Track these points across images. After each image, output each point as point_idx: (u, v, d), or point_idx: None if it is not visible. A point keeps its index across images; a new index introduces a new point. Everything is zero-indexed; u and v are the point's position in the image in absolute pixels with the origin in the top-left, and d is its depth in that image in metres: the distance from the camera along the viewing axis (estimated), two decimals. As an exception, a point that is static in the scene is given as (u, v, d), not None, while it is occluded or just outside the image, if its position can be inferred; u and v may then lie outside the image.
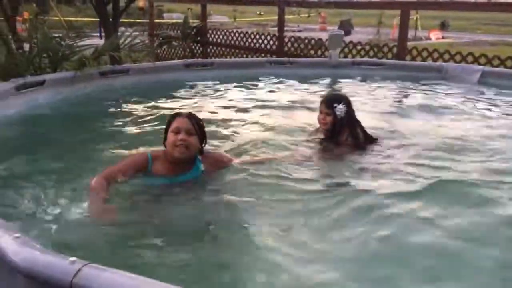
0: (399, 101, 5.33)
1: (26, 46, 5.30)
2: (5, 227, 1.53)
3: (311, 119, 4.22)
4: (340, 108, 3.32)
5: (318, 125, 3.55)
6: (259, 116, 4.51)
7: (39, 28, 5.31)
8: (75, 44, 5.39)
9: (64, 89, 4.81)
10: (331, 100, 3.40)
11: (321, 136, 3.52)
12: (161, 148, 2.76)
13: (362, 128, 3.47)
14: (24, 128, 3.88)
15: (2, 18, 6.20)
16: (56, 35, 5.55)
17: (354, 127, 3.39)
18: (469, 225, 2.35)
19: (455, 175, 2.96)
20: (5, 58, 4.82)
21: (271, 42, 8.84)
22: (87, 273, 1.26)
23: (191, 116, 2.71)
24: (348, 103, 3.39)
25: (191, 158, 2.71)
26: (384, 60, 6.94)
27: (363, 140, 3.41)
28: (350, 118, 3.38)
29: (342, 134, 3.36)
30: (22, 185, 2.71)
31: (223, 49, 9.80)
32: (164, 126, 2.73)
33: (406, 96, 5.55)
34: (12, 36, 5.40)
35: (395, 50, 7.34)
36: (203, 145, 2.78)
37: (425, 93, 5.61)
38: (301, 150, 3.37)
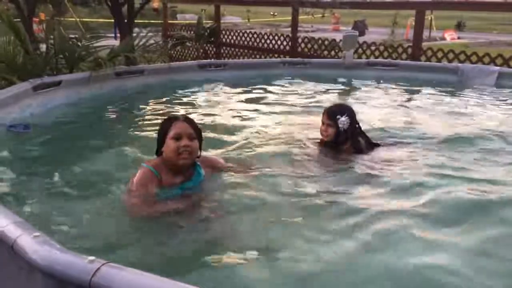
0: (413, 103, 5.28)
1: (42, 47, 5.37)
2: (25, 226, 1.55)
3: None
4: (343, 120, 3.19)
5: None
6: (272, 117, 4.51)
7: (55, 29, 5.38)
8: (91, 45, 5.45)
9: (80, 89, 4.88)
10: (334, 111, 3.26)
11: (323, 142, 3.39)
12: (152, 157, 2.62)
13: (366, 138, 3.35)
14: (41, 128, 3.93)
15: (19, 19, 6.30)
16: (72, 36, 5.62)
17: (357, 139, 3.27)
18: (477, 239, 2.22)
19: (462, 182, 2.82)
20: (23, 58, 4.89)
21: (285, 43, 8.84)
22: (105, 272, 1.27)
23: (189, 120, 2.60)
24: (351, 115, 3.25)
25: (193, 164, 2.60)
26: (398, 61, 6.89)
27: (365, 148, 3.30)
28: (353, 130, 3.26)
29: (345, 144, 3.26)
30: (38, 184, 2.75)
31: (237, 49, 9.82)
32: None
33: (420, 98, 5.49)
34: (29, 37, 5.48)
35: (409, 50, 7.28)
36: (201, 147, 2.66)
37: (439, 95, 5.55)
38: (297, 163, 3.18)
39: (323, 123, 3.27)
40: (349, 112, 3.25)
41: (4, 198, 2.45)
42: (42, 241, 1.41)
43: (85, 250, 1.53)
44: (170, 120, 2.59)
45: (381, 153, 3.31)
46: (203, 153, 2.70)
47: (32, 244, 1.41)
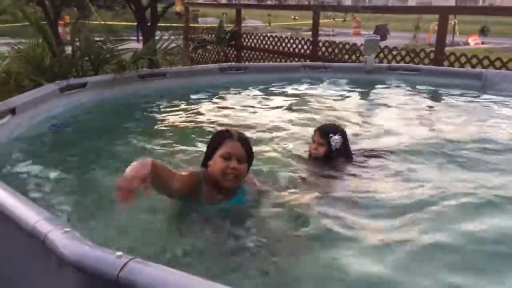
0: (434, 108, 5.23)
1: (67, 49, 5.51)
2: (55, 222, 1.61)
3: (343, 125, 4.22)
4: (336, 139, 3.10)
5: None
6: (292, 121, 4.52)
7: (81, 32, 5.52)
8: (115, 48, 5.57)
9: (104, 91, 4.98)
10: (327, 130, 3.16)
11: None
12: (199, 167, 2.48)
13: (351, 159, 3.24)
14: (67, 128, 4.04)
15: (45, 22, 6.47)
16: (98, 39, 5.75)
17: (348, 158, 3.20)
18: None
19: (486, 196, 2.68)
20: (50, 60, 5.02)
21: (305, 47, 8.85)
22: (133, 267, 1.31)
23: (243, 140, 2.42)
24: (344, 135, 3.18)
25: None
26: (421, 66, 6.83)
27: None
28: (345, 149, 3.18)
29: (337, 160, 3.15)
30: (66, 182, 2.84)
31: (257, 53, 9.87)
32: (206, 141, 2.48)
33: (442, 104, 5.44)
34: (55, 39, 5.62)
35: (432, 55, 7.21)
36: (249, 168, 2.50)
37: (462, 101, 5.48)
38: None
39: (314, 141, 3.16)
40: (342, 132, 3.18)
41: (35, 195, 2.54)
42: (72, 236, 1.46)
43: (113, 247, 1.58)
44: (224, 135, 2.42)
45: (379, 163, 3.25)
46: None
47: (62, 239, 1.46)
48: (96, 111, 4.63)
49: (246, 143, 2.42)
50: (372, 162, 3.26)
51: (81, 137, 3.85)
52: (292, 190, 2.74)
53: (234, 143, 2.36)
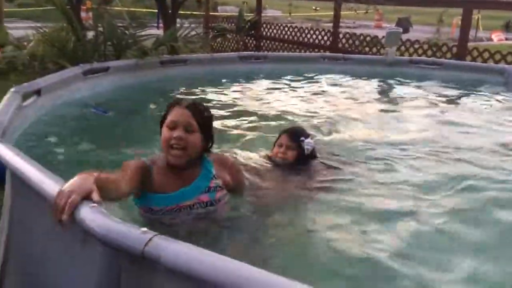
0: (454, 104, 5.17)
1: (89, 34, 5.58)
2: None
3: (362, 117, 4.21)
4: (309, 142, 2.85)
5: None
6: (309, 111, 4.53)
7: (103, 17, 5.58)
8: (137, 33, 5.63)
9: (126, 76, 5.05)
10: (298, 133, 2.90)
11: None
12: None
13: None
14: (88, 110, 4.13)
15: (69, 7, 6.55)
16: (120, 24, 5.82)
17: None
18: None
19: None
20: (74, 44, 5.10)
21: (325, 38, 8.80)
22: (157, 242, 1.35)
23: (194, 107, 2.05)
24: (312, 139, 2.94)
25: (193, 161, 2.07)
26: (442, 60, 6.74)
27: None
28: (314, 155, 2.93)
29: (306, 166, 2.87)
30: (84, 160, 2.93)
31: (276, 43, 9.84)
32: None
33: (463, 99, 5.37)
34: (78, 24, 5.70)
35: (454, 50, 7.11)
36: (210, 145, 2.15)
37: (484, 96, 5.41)
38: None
39: (281, 145, 2.84)
40: (310, 136, 2.96)
41: (58, 171, 2.61)
42: (98, 211, 1.50)
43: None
44: (172, 103, 2.10)
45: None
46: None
47: (90, 213, 1.50)
48: (118, 94, 4.70)
49: (197, 110, 2.04)
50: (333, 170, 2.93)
51: (104, 120, 3.93)
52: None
53: (181, 110, 2.02)
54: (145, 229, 1.41)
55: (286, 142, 2.83)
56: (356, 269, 1.98)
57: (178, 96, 4.91)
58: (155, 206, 2.05)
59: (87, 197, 1.51)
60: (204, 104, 2.18)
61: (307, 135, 2.91)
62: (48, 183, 1.72)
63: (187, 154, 2.01)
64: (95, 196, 1.52)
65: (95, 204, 1.53)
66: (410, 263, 2.00)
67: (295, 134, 2.88)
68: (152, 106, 4.52)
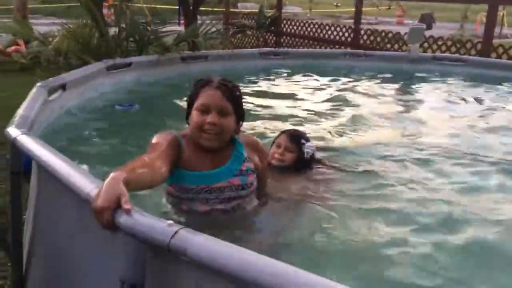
0: (479, 102, 5.06)
1: (110, 30, 5.64)
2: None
3: (382, 116, 4.15)
4: (310, 146, 2.67)
5: None
6: (328, 109, 4.50)
7: (125, 13, 5.64)
8: (159, 29, 5.68)
9: (148, 71, 5.10)
10: (298, 135, 2.72)
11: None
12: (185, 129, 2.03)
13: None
14: (111, 105, 4.19)
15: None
16: (142, 21, 5.87)
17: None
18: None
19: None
20: (97, 40, 5.17)
21: (346, 34, 8.72)
22: (183, 235, 1.35)
23: (225, 87, 1.90)
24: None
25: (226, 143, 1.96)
26: (467, 57, 6.62)
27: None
28: (312, 162, 2.74)
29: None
30: (110, 153, 2.97)
31: (297, 39, 9.80)
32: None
33: (488, 97, 5.25)
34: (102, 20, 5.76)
35: (479, 46, 6.97)
36: (240, 124, 2.01)
37: (509, 96, 5.28)
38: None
39: (279, 146, 2.64)
40: (310, 140, 2.76)
41: (89, 162, 2.65)
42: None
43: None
44: (201, 83, 1.94)
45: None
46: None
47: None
48: (140, 90, 4.75)
49: (230, 89, 1.91)
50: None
51: (126, 113, 3.99)
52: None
53: (213, 92, 1.88)
54: (171, 222, 1.42)
55: (286, 143, 2.65)
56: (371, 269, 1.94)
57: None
58: (187, 184, 1.90)
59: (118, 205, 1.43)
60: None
61: (307, 139, 2.72)
62: (75, 176, 1.74)
63: (221, 138, 1.91)
64: (124, 202, 1.43)
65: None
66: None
67: (296, 136, 2.71)
68: (173, 100, 4.56)
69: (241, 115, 1.98)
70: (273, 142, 2.72)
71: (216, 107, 1.87)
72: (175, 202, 1.98)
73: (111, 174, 1.51)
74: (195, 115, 1.89)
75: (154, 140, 1.91)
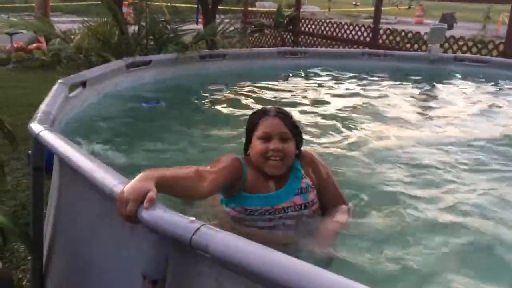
0: (499, 104, 4.96)
1: (130, 29, 5.68)
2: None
3: (401, 117, 4.10)
4: None
5: None
6: (347, 109, 4.45)
7: (145, 12, 5.68)
8: (178, 28, 5.71)
9: (167, 69, 5.12)
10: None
11: None
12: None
13: None
14: (131, 103, 4.22)
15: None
16: (162, 19, 5.91)
17: None
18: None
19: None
20: (118, 38, 5.21)
21: (365, 34, 8.64)
22: (205, 232, 1.35)
23: (283, 115, 2.03)
24: None
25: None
26: (489, 57, 6.51)
27: None
28: None
29: None
30: (131, 151, 2.99)
31: (314, 39, 9.75)
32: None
33: (509, 98, 5.15)
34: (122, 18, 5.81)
35: (501, 47, 6.84)
36: (300, 148, 2.10)
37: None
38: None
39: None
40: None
41: (109, 159, 2.69)
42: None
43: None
44: (258, 114, 2.05)
45: None
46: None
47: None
48: (159, 88, 4.78)
49: (286, 117, 2.02)
50: None
51: (144, 111, 4.01)
52: None
53: (271, 120, 1.99)
54: (193, 218, 1.42)
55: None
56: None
57: (228, 94, 4.92)
58: (251, 206, 1.98)
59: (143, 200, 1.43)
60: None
61: None
62: (99, 172, 1.76)
63: (285, 164, 2.00)
64: (149, 198, 1.43)
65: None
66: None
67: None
68: (192, 98, 4.59)
69: (299, 140, 2.08)
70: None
71: (277, 134, 1.97)
72: (237, 221, 2.01)
73: (147, 170, 1.55)
74: (257, 144, 1.98)
75: (219, 158, 2.00)
